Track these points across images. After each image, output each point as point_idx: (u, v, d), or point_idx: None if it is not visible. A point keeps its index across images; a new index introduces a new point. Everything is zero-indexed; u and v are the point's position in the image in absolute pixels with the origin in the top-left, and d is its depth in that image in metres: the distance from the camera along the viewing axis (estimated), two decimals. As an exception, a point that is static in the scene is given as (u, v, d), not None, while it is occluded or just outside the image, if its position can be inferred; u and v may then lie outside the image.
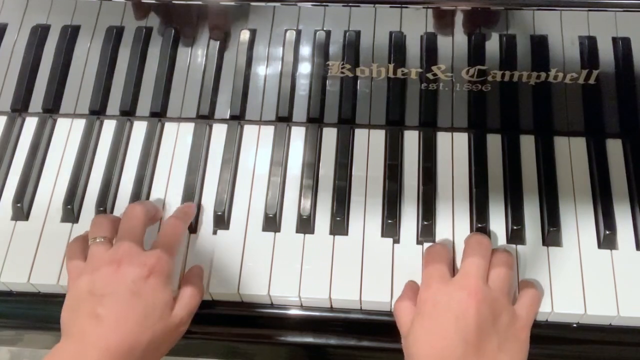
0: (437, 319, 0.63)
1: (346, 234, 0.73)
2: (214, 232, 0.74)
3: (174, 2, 0.71)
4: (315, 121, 0.78)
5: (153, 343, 0.63)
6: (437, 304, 0.63)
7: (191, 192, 0.75)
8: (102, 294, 0.63)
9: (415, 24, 0.70)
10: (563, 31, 0.69)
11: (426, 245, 0.71)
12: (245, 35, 0.75)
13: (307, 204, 0.74)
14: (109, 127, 0.80)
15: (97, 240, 0.67)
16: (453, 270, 0.69)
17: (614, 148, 0.76)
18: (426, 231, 0.72)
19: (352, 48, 0.73)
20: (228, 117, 0.79)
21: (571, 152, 0.76)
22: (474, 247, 0.68)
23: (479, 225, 0.71)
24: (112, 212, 0.76)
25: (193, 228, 0.74)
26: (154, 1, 0.71)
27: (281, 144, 0.78)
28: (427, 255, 0.69)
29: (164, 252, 0.66)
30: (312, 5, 0.70)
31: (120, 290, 0.63)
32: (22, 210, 0.75)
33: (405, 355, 0.65)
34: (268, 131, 0.79)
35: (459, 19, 0.69)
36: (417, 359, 0.62)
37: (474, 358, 0.60)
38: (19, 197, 0.76)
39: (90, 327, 0.61)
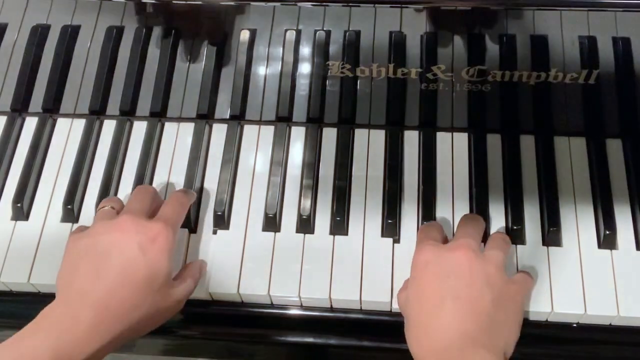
0: (428, 277, 0.62)
1: (346, 234, 0.73)
2: (214, 232, 0.74)
3: (174, 2, 0.71)
4: (315, 121, 0.78)
5: (148, 311, 0.61)
6: (428, 263, 0.63)
7: (191, 192, 0.75)
8: (103, 252, 0.61)
9: (415, 24, 0.70)
10: (563, 31, 0.69)
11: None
12: (245, 35, 0.75)
13: (307, 204, 0.74)
14: (109, 127, 0.80)
15: (105, 207, 0.67)
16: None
17: (614, 148, 0.76)
18: (426, 231, 0.72)
19: (352, 48, 0.73)
20: (228, 117, 0.79)
21: (571, 152, 0.76)
22: (466, 220, 0.69)
23: (479, 225, 0.71)
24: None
25: (193, 228, 0.74)
26: (154, 1, 0.71)
27: (281, 144, 0.78)
28: (420, 228, 0.71)
29: (170, 219, 0.66)
30: (312, 5, 0.70)
31: (126, 249, 0.61)
32: (22, 210, 0.75)
33: (405, 325, 0.64)
34: (268, 131, 0.79)
35: (459, 18, 0.69)
36: (410, 320, 0.62)
37: (469, 314, 0.59)
38: (19, 197, 0.76)
39: (89, 285, 0.59)
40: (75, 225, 0.75)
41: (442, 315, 0.60)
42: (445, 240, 0.69)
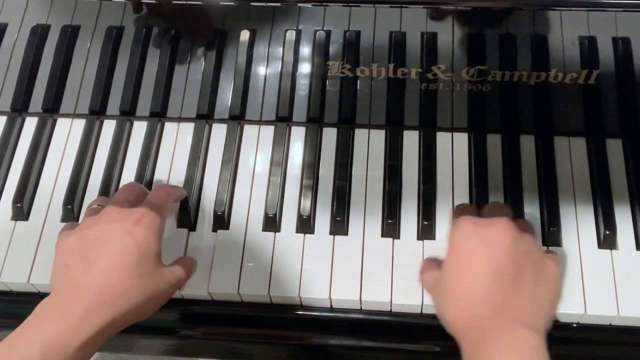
0: (470, 250, 0.61)
1: (346, 234, 0.73)
2: (214, 232, 0.74)
3: (174, 2, 0.71)
4: (315, 121, 0.78)
5: (143, 295, 0.61)
6: (469, 237, 0.61)
7: (191, 192, 0.75)
8: (92, 240, 0.61)
9: (415, 24, 0.71)
10: (563, 31, 0.69)
11: (426, 242, 0.71)
12: (245, 35, 0.75)
13: (307, 204, 0.74)
14: (109, 127, 0.80)
15: (92, 206, 0.67)
16: None
17: (614, 148, 0.76)
18: (426, 231, 0.72)
19: (352, 48, 0.73)
20: (228, 117, 0.79)
21: (571, 152, 0.76)
22: (494, 207, 0.68)
23: (479, 225, 0.71)
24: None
25: (192, 226, 0.74)
26: (154, 1, 0.71)
27: (281, 144, 0.78)
28: (456, 207, 0.71)
29: (154, 203, 0.66)
30: (312, 5, 0.70)
31: (113, 235, 0.61)
32: (22, 210, 0.75)
33: (437, 300, 0.64)
34: (268, 131, 0.79)
35: (459, 18, 0.69)
36: (448, 294, 0.61)
37: (511, 288, 0.59)
38: (19, 197, 0.76)
39: (81, 274, 0.60)
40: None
41: (486, 285, 0.59)
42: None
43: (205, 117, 0.79)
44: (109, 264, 0.60)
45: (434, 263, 0.67)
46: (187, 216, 0.74)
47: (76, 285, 0.60)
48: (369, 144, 0.77)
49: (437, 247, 0.71)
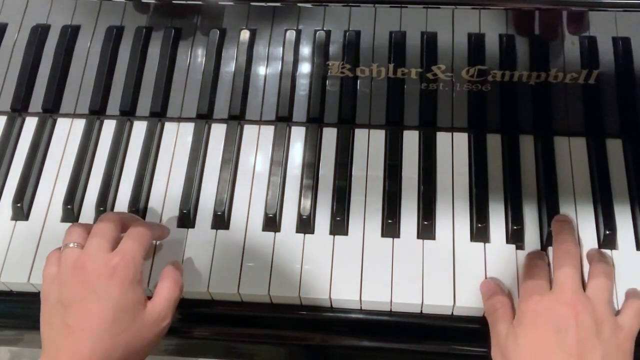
0: (538, 331, 0.62)
1: (346, 234, 0.73)
2: (214, 232, 0.74)
3: (174, 2, 0.71)
4: (315, 121, 0.78)
5: (131, 346, 0.62)
6: (537, 316, 0.63)
7: (191, 192, 0.75)
8: (69, 304, 0.62)
9: (415, 24, 0.71)
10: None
11: (426, 242, 0.71)
12: (245, 35, 0.75)
13: (307, 204, 0.74)
14: (109, 127, 0.80)
15: (70, 245, 0.66)
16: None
17: (614, 148, 0.76)
18: (426, 231, 0.72)
19: (352, 48, 0.73)
20: (228, 116, 0.79)
21: (571, 152, 0.76)
22: (563, 257, 0.66)
23: (479, 225, 0.71)
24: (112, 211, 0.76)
25: (192, 226, 0.74)
26: (153, 1, 0.72)
27: (281, 144, 0.78)
28: (526, 268, 0.69)
29: (130, 250, 0.64)
30: (312, 5, 0.70)
31: (87, 297, 0.62)
32: (22, 210, 0.75)
33: (499, 355, 0.64)
34: (268, 131, 0.79)
35: (458, 18, 0.69)
36: None
37: None
38: (19, 197, 0.76)
39: (62, 338, 0.61)
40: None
41: None
42: (549, 277, 0.67)
43: (205, 117, 0.79)
44: (87, 329, 0.61)
45: (499, 288, 0.68)
46: (187, 216, 0.74)
47: (60, 349, 0.61)
48: (369, 144, 0.77)
49: (437, 247, 0.71)
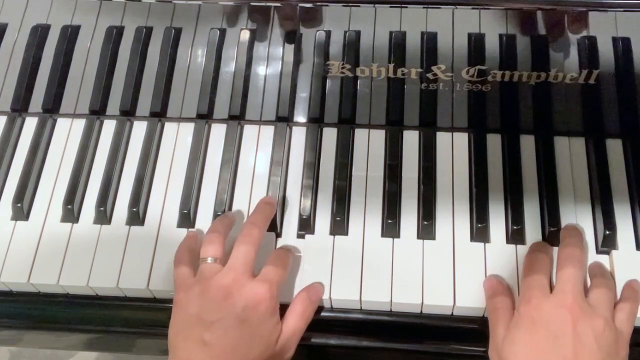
0: (536, 335, 0.62)
1: (346, 234, 0.73)
2: (214, 232, 0.74)
3: (174, 2, 0.71)
4: (315, 121, 0.78)
5: None
6: (535, 320, 0.62)
7: (191, 192, 0.75)
8: (211, 321, 0.63)
9: (415, 24, 0.70)
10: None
11: (426, 242, 0.71)
12: (245, 35, 0.75)
13: (307, 204, 0.74)
14: (109, 127, 0.80)
15: (208, 260, 0.67)
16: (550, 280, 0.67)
17: (614, 148, 0.76)
18: (426, 231, 0.72)
19: (352, 48, 0.73)
20: (228, 116, 0.79)
21: (571, 152, 0.76)
22: (568, 260, 0.66)
23: (479, 225, 0.71)
24: (111, 211, 0.76)
25: (192, 226, 0.74)
26: (154, 1, 0.71)
27: (281, 144, 0.78)
28: (528, 263, 0.68)
29: (275, 280, 0.66)
30: (312, 5, 0.69)
31: (229, 318, 0.63)
32: (22, 210, 0.75)
33: (496, 355, 0.64)
34: (268, 131, 0.79)
35: (458, 18, 0.69)
36: None
37: None
38: (19, 197, 0.76)
39: (198, 353, 0.62)
40: (76, 226, 0.75)
41: None
42: (551, 275, 0.67)
43: (205, 117, 0.79)
44: (224, 348, 0.62)
45: (502, 287, 0.67)
46: (187, 216, 0.74)
47: None
48: (369, 144, 0.77)
49: (437, 247, 0.71)
